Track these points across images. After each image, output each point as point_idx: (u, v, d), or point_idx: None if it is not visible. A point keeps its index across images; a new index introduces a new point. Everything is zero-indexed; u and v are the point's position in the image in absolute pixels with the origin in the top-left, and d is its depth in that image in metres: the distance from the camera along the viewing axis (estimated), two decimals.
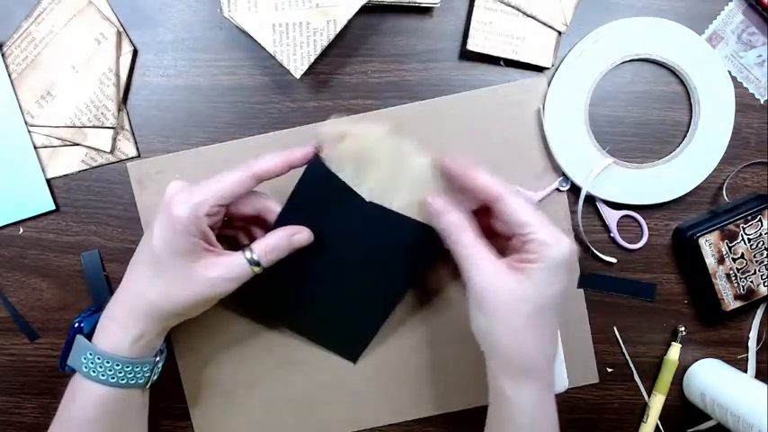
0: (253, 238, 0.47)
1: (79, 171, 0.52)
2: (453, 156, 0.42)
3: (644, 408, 0.55)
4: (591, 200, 0.53)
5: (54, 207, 0.52)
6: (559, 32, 0.50)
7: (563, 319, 0.52)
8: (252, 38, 0.48)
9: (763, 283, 0.53)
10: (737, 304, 0.53)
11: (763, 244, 0.52)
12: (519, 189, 0.52)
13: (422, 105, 0.51)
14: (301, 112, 0.52)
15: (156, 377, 0.46)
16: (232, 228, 0.48)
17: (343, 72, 0.52)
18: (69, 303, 0.53)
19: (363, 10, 0.47)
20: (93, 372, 0.42)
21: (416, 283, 0.52)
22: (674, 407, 0.55)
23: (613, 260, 0.53)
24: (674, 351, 0.54)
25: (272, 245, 0.43)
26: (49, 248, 0.52)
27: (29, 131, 0.50)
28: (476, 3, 0.50)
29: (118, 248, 0.52)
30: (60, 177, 0.52)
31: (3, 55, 0.50)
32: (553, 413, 0.41)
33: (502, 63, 0.51)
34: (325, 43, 0.47)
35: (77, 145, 0.51)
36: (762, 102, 0.53)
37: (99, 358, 0.42)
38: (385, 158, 0.43)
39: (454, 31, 0.52)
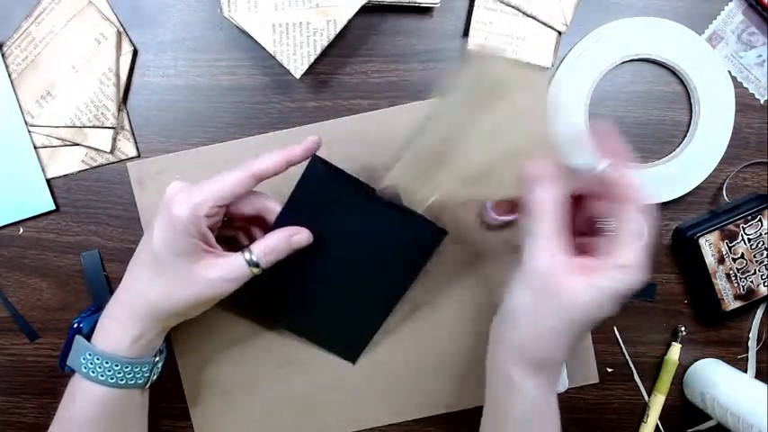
0: (252, 239, 0.47)
1: (79, 171, 0.52)
2: (610, 136, 0.38)
3: (644, 408, 0.55)
4: None
5: (54, 207, 0.51)
6: (559, 32, 0.50)
7: None
8: (252, 38, 0.48)
9: (763, 283, 0.53)
10: (737, 304, 0.53)
11: (763, 244, 0.52)
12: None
13: (422, 105, 0.51)
14: (301, 112, 0.52)
15: (155, 377, 0.46)
16: (232, 228, 0.48)
17: (343, 72, 0.52)
18: (69, 303, 0.53)
19: (363, 10, 0.47)
20: (93, 372, 0.42)
21: (415, 281, 0.51)
22: (674, 407, 0.55)
23: None
24: (674, 351, 0.54)
25: (271, 246, 0.43)
26: (49, 248, 0.52)
27: (29, 131, 0.50)
28: (476, 3, 0.50)
29: (118, 248, 0.52)
30: (60, 177, 0.52)
31: (3, 55, 0.50)
32: (556, 409, 0.41)
33: None
34: (325, 43, 0.47)
35: (77, 145, 0.51)
36: (762, 102, 0.53)
37: (98, 358, 0.42)
38: (523, 101, 0.39)
39: (454, 31, 0.52)
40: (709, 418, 0.53)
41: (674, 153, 0.52)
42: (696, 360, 0.55)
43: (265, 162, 0.42)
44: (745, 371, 0.55)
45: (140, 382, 0.44)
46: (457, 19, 0.51)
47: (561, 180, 0.38)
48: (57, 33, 0.50)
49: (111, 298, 0.44)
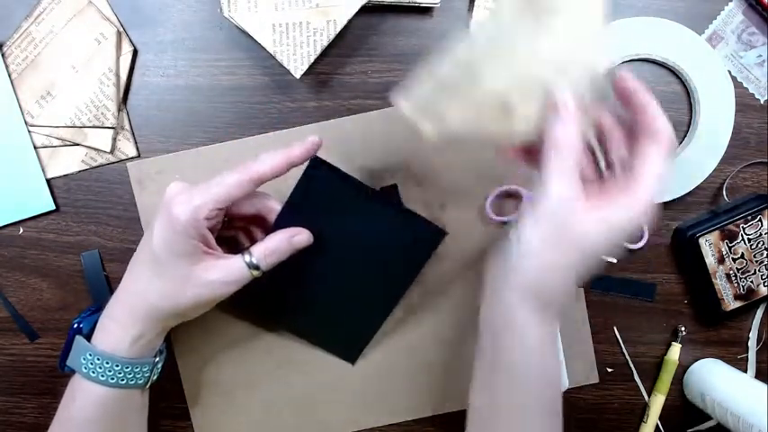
0: (253, 240, 0.47)
1: (79, 171, 0.52)
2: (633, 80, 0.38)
3: (644, 408, 0.55)
4: None
5: (54, 207, 0.51)
6: None
7: (563, 319, 0.52)
8: (252, 38, 0.48)
9: (763, 283, 0.53)
10: (737, 304, 0.53)
11: (763, 244, 0.52)
12: (524, 191, 0.51)
13: None
14: (301, 112, 0.52)
15: (155, 377, 0.46)
16: (232, 228, 0.48)
17: (343, 72, 0.52)
18: (69, 303, 0.53)
19: (363, 10, 0.47)
20: (93, 372, 0.42)
21: (415, 282, 0.51)
22: (674, 407, 0.55)
23: (613, 260, 0.53)
24: (674, 351, 0.54)
25: (271, 248, 0.43)
26: (49, 248, 0.52)
27: (29, 131, 0.50)
28: (476, 3, 0.50)
29: (118, 248, 0.52)
30: (60, 177, 0.52)
31: (3, 55, 0.50)
32: (556, 352, 0.40)
33: None
34: (325, 43, 0.47)
35: (77, 145, 0.51)
36: (762, 102, 0.53)
37: (98, 359, 0.42)
38: (575, 21, 0.36)
39: (454, 32, 0.52)
40: (709, 418, 0.53)
41: (673, 153, 0.52)
42: (696, 360, 0.55)
43: (265, 165, 0.41)
44: (745, 371, 0.55)
45: (140, 382, 0.44)
46: (457, 19, 0.51)
47: (584, 116, 0.37)
48: (57, 33, 0.50)
49: (111, 298, 0.44)
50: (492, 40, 0.37)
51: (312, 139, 0.43)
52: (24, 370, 0.53)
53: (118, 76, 0.50)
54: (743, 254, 0.52)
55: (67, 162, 0.51)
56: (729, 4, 0.52)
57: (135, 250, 0.44)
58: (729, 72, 0.52)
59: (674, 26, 0.51)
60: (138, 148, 0.52)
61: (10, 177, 0.51)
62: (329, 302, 0.50)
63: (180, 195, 0.40)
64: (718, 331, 0.55)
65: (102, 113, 0.50)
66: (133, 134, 0.52)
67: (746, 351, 0.55)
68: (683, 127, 0.53)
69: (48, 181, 0.51)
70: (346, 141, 0.51)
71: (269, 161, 0.41)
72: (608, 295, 0.54)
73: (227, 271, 0.42)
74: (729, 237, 0.52)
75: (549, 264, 0.37)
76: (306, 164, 0.43)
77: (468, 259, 0.53)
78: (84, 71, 0.50)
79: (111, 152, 0.51)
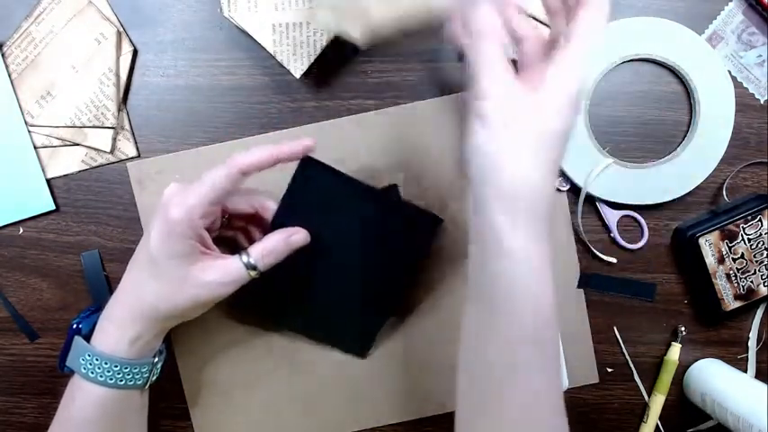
0: (252, 240, 0.47)
1: (79, 171, 0.52)
2: None
3: (644, 408, 0.55)
4: (591, 200, 0.53)
5: (54, 207, 0.51)
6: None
7: (563, 319, 0.52)
8: (252, 38, 0.48)
9: (763, 283, 0.53)
10: (737, 304, 0.53)
11: (763, 244, 0.52)
12: None
13: (422, 105, 0.51)
14: (301, 112, 0.52)
15: (154, 378, 0.46)
16: (231, 228, 0.48)
17: (344, 72, 0.52)
18: (69, 303, 0.53)
19: None
20: (92, 373, 0.42)
21: (415, 272, 0.51)
22: (674, 407, 0.55)
23: (613, 260, 0.53)
24: (674, 351, 0.54)
25: (269, 248, 0.43)
26: (49, 248, 0.52)
27: (29, 131, 0.50)
28: None
29: (118, 248, 0.52)
30: (60, 177, 0.52)
31: (3, 55, 0.50)
32: (549, 267, 0.36)
33: None
34: (325, 43, 0.47)
35: (77, 145, 0.51)
36: (762, 102, 0.53)
37: (97, 359, 0.42)
38: None
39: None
40: (709, 418, 0.53)
41: (674, 153, 0.52)
42: (696, 360, 0.55)
43: (251, 157, 0.41)
44: (745, 371, 0.55)
45: (139, 382, 0.44)
46: None
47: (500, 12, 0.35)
48: (57, 33, 0.50)
49: (110, 299, 0.44)
50: None
51: (304, 141, 0.42)
52: (24, 370, 0.53)
53: (118, 76, 0.50)
54: (743, 254, 0.52)
55: (67, 162, 0.51)
56: (729, 4, 0.52)
57: (135, 250, 0.44)
58: (729, 72, 0.52)
59: (674, 26, 0.51)
60: (138, 148, 0.52)
61: (10, 177, 0.51)
62: (333, 300, 0.50)
63: (176, 197, 0.41)
64: (718, 331, 0.55)
65: (102, 113, 0.50)
66: (133, 134, 0.52)
67: (746, 351, 0.55)
68: (683, 127, 0.53)
69: (48, 181, 0.51)
70: (346, 141, 0.51)
71: (257, 153, 0.41)
72: (608, 295, 0.54)
73: (225, 271, 0.42)
74: (729, 237, 0.52)
75: (511, 157, 0.34)
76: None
77: (468, 257, 0.53)
78: (84, 71, 0.50)
79: (111, 152, 0.51)
